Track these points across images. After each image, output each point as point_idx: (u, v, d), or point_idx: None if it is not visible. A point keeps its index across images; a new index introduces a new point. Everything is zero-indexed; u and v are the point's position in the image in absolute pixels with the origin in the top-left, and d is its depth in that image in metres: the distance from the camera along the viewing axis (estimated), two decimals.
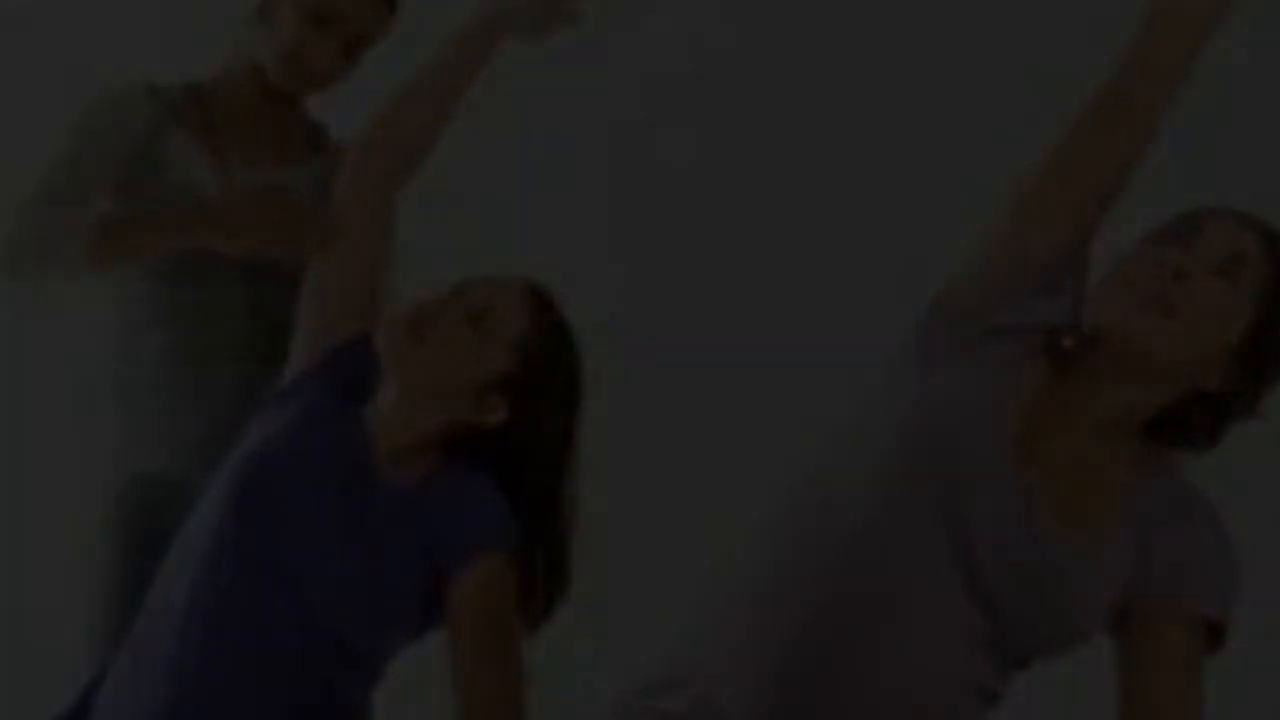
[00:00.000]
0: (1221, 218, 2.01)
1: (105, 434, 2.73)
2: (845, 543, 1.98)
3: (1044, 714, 2.68)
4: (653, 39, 3.70)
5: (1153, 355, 1.96)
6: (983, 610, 1.96)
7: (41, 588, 3.49)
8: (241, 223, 2.53)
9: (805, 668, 1.96)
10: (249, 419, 2.35)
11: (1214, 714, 2.00)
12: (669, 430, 3.56)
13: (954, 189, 3.23)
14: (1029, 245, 2.03)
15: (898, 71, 3.61)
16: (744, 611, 2.02)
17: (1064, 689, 2.60)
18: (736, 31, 3.71)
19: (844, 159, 3.60)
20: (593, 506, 2.31)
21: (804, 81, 3.66)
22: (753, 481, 2.51)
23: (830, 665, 1.95)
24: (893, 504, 1.97)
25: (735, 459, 3.36)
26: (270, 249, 2.52)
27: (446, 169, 2.54)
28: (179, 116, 2.66)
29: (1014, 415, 1.98)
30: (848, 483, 2.00)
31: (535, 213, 3.67)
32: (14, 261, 2.58)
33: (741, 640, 2.00)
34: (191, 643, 2.18)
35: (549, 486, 2.27)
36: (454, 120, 2.45)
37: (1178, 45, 2.02)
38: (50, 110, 2.74)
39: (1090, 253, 2.07)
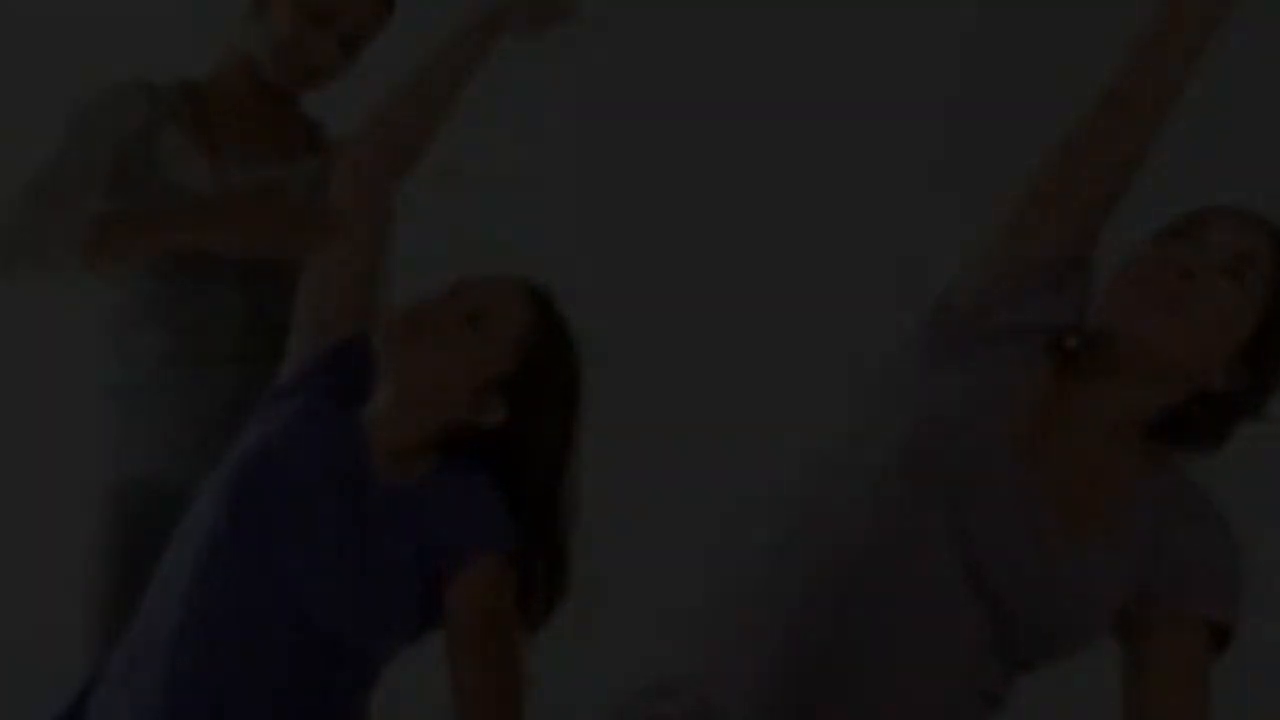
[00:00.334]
0: (1229, 217, 2.00)
1: (100, 435, 2.72)
2: (847, 545, 1.97)
3: (1048, 718, 2.67)
4: (653, 37, 3.70)
5: (1159, 355, 1.95)
6: (986, 612, 1.95)
7: (37, 589, 3.48)
8: (237, 221, 2.52)
9: (805, 671, 1.95)
10: (245, 420, 2.34)
11: (1215, 715, 1.99)
12: (669, 431, 3.56)
13: (955, 189, 3.23)
14: (1033, 245, 2.03)
15: (899, 70, 3.61)
16: (744, 614, 2.01)
17: (1068, 692, 2.59)
18: (737, 29, 3.71)
19: (845, 158, 3.60)
20: (593, 507, 2.30)
21: (805, 80, 3.66)
22: (753, 483, 2.51)
23: (831, 669, 1.94)
24: (895, 506, 1.96)
25: (736, 460, 3.36)
26: (266, 248, 2.51)
27: (444, 167, 2.53)
28: (174, 114, 2.65)
29: (1018, 416, 1.98)
30: (849, 485, 2.00)
31: (535, 212, 3.67)
32: (7, 261, 2.57)
33: (741, 643, 1.99)
34: (187, 644, 2.17)
35: (548, 487, 2.27)
36: (452, 117, 2.45)
37: (1182, 44, 2.01)
38: (45, 109, 2.73)
39: (1094, 252, 2.06)
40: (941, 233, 2.65)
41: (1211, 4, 2.01)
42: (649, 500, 3.41)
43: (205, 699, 2.16)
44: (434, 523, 2.21)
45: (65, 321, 3.16)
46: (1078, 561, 1.95)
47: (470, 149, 2.86)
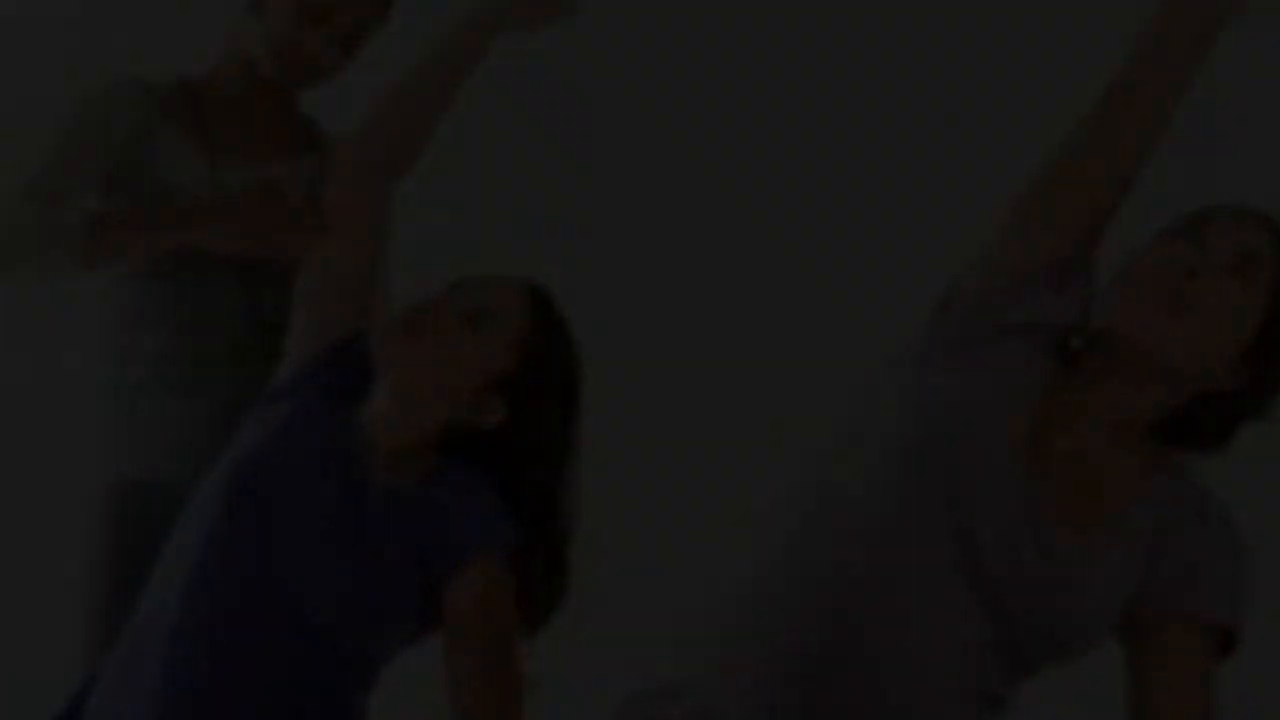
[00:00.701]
0: (1231, 216, 1.99)
1: (96, 436, 2.71)
2: (848, 545, 1.96)
3: None
4: (654, 35, 3.69)
5: (1163, 355, 1.94)
6: (989, 614, 1.94)
7: (34, 590, 3.48)
8: (234, 220, 2.52)
9: (807, 673, 1.94)
10: (244, 420, 2.33)
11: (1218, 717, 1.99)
12: (669, 431, 3.56)
13: (956, 188, 3.23)
14: (1037, 243, 2.02)
15: (900, 68, 3.61)
16: (745, 616, 2.01)
17: (1071, 695, 2.59)
18: (738, 27, 3.71)
19: (846, 157, 3.60)
20: (593, 508, 2.30)
21: (806, 78, 3.65)
22: (754, 484, 2.50)
23: (832, 671, 1.94)
24: (897, 507, 1.95)
25: (736, 461, 3.36)
26: (264, 247, 2.50)
27: (443, 165, 2.53)
28: (171, 112, 2.65)
29: (1020, 416, 1.97)
30: (850, 485, 1.99)
31: (535, 211, 3.66)
32: (6, 261, 2.57)
33: (742, 645, 1.98)
34: (185, 644, 2.17)
35: (548, 488, 2.26)
36: (450, 115, 2.44)
37: (1188, 39, 2.01)
38: (41, 107, 2.73)
39: (1096, 252, 2.06)
40: (942, 233, 2.64)
41: (1214, 2, 2.01)
42: (649, 501, 3.41)
43: (203, 699, 2.16)
44: (433, 523, 2.21)
45: (62, 322, 3.16)
46: (1079, 562, 1.94)
47: (470, 149, 2.86)
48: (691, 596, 2.13)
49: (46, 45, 3.83)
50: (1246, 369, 1.96)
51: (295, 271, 2.42)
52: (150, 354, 2.65)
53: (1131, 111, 2.01)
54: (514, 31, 2.48)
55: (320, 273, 2.38)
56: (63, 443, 3.23)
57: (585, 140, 3.72)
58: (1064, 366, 2.00)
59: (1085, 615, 1.95)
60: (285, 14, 2.62)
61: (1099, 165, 2.01)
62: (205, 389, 2.64)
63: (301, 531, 2.19)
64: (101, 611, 2.60)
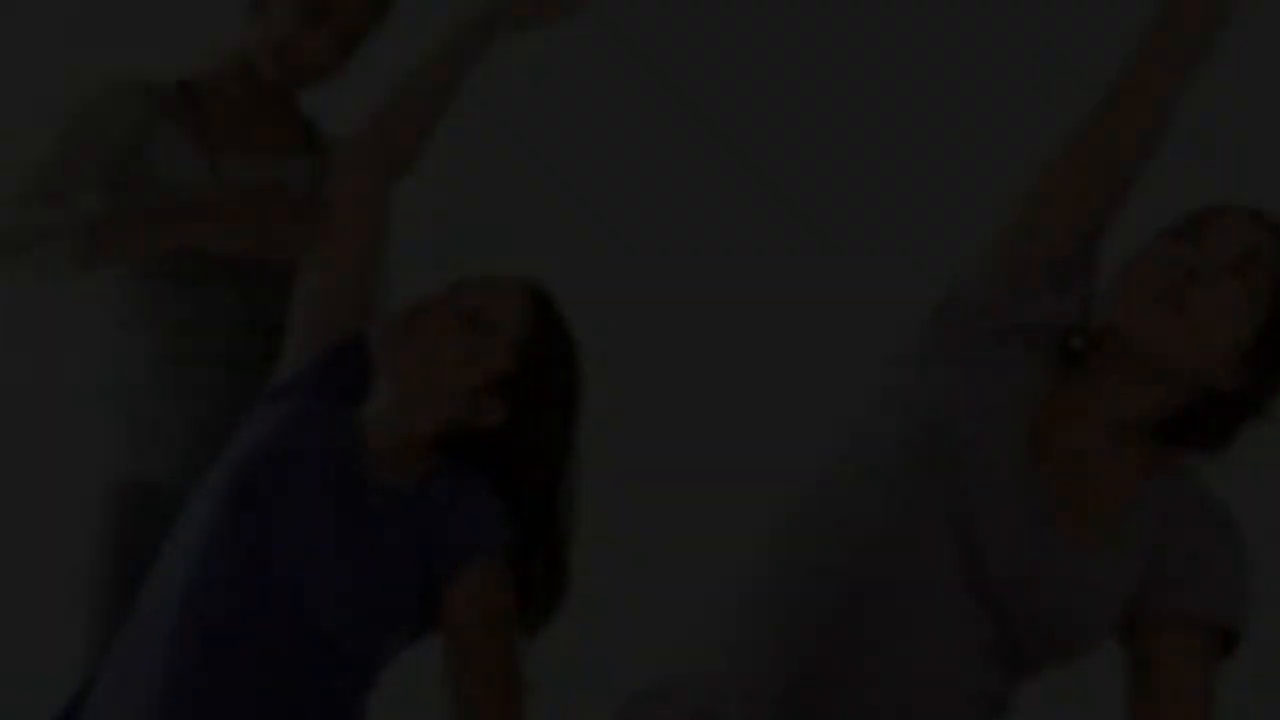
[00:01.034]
0: (1233, 215, 1.99)
1: (95, 436, 2.71)
2: (849, 546, 1.96)
3: None
4: (654, 35, 3.69)
5: (1164, 355, 1.94)
6: (990, 615, 1.94)
7: (32, 591, 3.48)
8: (233, 220, 2.51)
9: (807, 674, 1.94)
10: (243, 420, 2.33)
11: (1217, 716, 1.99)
12: (669, 432, 3.56)
13: (956, 188, 3.23)
14: (1036, 244, 2.02)
15: (901, 68, 3.61)
16: (745, 617, 2.00)
17: (1071, 695, 2.58)
18: (739, 28, 3.71)
19: (847, 158, 3.60)
20: (593, 508, 2.30)
21: (807, 77, 3.65)
22: (754, 484, 2.50)
23: (833, 672, 1.93)
24: (898, 507, 1.95)
25: (737, 461, 3.36)
26: (264, 247, 2.50)
27: (443, 165, 2.53)
28: (171, 112, 2.65)
29: (1022, 416, 1.97)
30: (852, 486, 1.99)
31: (534, 211, 3.66)
32: (5, 261, 2.56)
33: (742, 646, 1.98)
34: (184, 646, 2.17)
35: (547, 488, 2.26)
36: (450, 115, 2.44)
37: (1188, 39, 2.00)
38: (41, 107, 2.73)
39: (1097, 252, 2.06)
40: (942, 233, 2.64)
41: (1214, 2, 2.01)
42: (649, 501, 3.41)
43: (203, 699, 2.15)
44: (432, 524, 2.20)
45: (64, 321, 3.16)
46: (1080, 561, 1.94)
47: (470, 149, 2.85)
48: (691, 597, 2.13)
49: (46, 45, 3.83)
50: (1247, 369, 1.96)
51: (294, 272, 2.42)
52: (149, 354, 2.65)
53: (1132, 111, 2.01)
54: (516, 30, 2.47)
55: (320, 273, 2.38)
56: (63, 443, 3.22)
57: (585, 140, 3.72)
58: (1065, 367, 2.00)
59: (1086, 615, 1.95)
60: (285, 14, 2.61)
61: (1099, 165, 2.01)
62: (204, 389, 2.63)
63: (301, 532, 2.19)
64: (101, 611, 2.60)
